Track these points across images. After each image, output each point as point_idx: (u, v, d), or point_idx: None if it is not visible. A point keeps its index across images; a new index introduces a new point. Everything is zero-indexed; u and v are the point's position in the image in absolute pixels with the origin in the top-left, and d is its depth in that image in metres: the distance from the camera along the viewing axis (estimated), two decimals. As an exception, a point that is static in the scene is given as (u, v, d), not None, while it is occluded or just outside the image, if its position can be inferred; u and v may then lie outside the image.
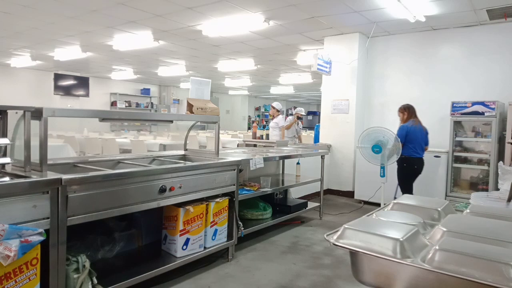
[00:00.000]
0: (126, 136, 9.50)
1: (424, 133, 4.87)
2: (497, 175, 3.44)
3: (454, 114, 5.29)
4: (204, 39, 7.11)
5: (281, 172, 5.29)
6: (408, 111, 4.92)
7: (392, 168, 5.21)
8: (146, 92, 15.54)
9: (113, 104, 14.39)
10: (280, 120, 7.40)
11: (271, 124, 7.53)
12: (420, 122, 4.91)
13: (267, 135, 6.47)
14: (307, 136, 9.92)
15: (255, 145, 5.86)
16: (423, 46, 6.06)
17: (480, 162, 5.32)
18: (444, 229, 1.42)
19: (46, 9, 5.61)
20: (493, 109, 5.00)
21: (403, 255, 1.25)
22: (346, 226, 1.42)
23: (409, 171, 4.78)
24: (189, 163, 3.07)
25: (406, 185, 4.85)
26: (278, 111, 7.46)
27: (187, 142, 3.85)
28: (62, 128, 9.30)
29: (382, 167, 5.13)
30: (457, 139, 5.40)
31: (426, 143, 4.91)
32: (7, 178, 1.98)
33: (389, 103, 6.35)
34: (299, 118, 7.86)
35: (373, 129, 5.10)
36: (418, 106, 6.05)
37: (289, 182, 4.70)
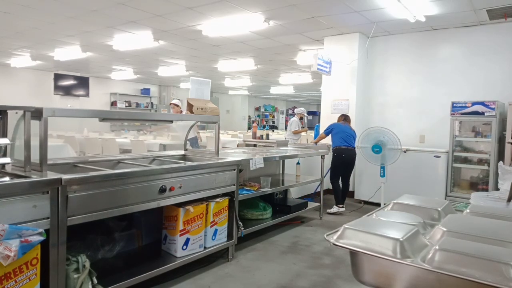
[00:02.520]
0: (126, 136, 9.49)
1: (349, 128, 5.43)
2: (497, 175, 3.43)
3: (454, 114, 5.29)
4: (204, 39, 7.11)
5: (281, 172, 5.29)
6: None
7: (392, 168, 5.22)
8: (146, 92, 15.53)
9: (113, 104, 14.39)
10: None
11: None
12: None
13: (267, 135, 6.47)
14: (307, 136, 9.92)
15: (255, 145, 5.86)
16: (423, 46, 6.05)
17: (480, 162, 5.31)
18: (444, 229, 1.42)
19: (46, 9, 5.61)
20: (493, 109, 5.00)
21: (403, 255, 1.25)
22: (346, 226, 1.42)
23: (337, 159, 5.28)
24: (189, 163, 3.07)
25: (335, 174, 5.31)
26: (180, 107, 6.99)
27: (187, 142, 3.85)
28: (62, 128, 9.29)
29: (382, 167, 5.13)
30: (457, 139, 5.39)
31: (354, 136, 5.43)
32: (7, 178, 1.98)
33: (389, 103, 6.35)
34: (301, 118, 7.89)
35: (373, 129, 5.11)
36: (418, 106, 6.09)
37: (289, 182, 4.70)
